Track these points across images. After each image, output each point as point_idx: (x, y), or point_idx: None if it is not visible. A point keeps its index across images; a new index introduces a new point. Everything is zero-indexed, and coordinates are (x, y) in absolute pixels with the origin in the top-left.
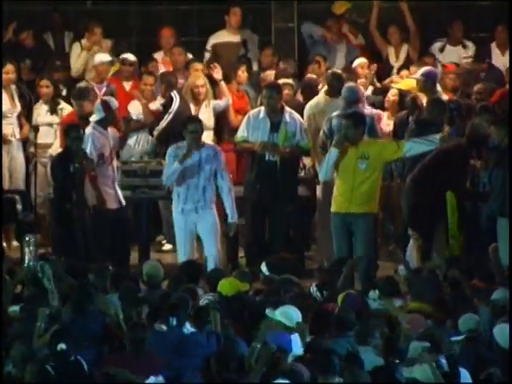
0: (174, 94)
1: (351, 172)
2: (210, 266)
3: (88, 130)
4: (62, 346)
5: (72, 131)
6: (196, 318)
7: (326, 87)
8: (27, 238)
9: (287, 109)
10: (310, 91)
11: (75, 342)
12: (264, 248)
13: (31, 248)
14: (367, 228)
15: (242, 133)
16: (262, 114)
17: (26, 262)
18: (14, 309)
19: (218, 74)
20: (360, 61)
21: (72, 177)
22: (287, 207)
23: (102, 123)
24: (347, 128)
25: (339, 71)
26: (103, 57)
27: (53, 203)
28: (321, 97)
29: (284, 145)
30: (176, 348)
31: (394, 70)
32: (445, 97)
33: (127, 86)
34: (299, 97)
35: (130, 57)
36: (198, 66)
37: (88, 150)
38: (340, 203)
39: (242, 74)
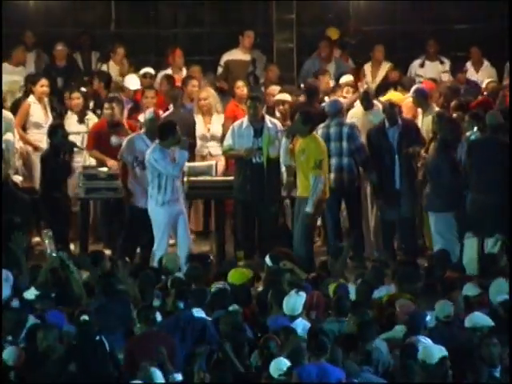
0: (170, 107)
1: (297, 162)
2: (183, 256)
3: (131, 134)
4: (84, 317)
5: (59, 130)
6: (212, 303)
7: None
8: (45, 232)
9: (267, 116)
10: (312, 95)
11: (103, 324)
12: (256, 242)
13: (50, 240)
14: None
15: (227, 142)
16: (245, 124)
17: (48, 251)
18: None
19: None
20: (347, 78)
21: (60, 169)
22: (274, 205)
23: (145, 131)
24: (297, 121)
25: (368, 88)
26: (132, 83)
27: (42, 193)
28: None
29: (268, 147)
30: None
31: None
32: (436, 109)
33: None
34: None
35: (151, 70)
36: (195, 82)
37: (120, 150)
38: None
39: (241, 90)
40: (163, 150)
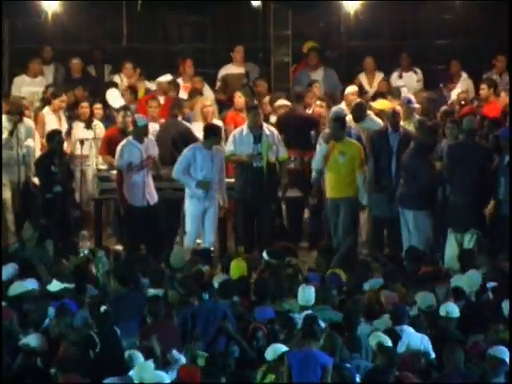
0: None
1: (333, 165)
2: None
3: (122, 142)
4: (103, 308)
5: (55, 136)
6: (221, 292)
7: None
8: (82, 233)
9: (265, 124)
10: (299, 101)
11: (120, 314)
12: (255, 239)
13: (84, 240)
14: (349, 209)
15: (229, 148)
16: (245, 131)
17: (84, 250)
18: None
19: None
20: (351, 89)
21: (53, 173)
22: (272, 206)
23: (134, 137)
24: (335, 128)
25: (362, 102)
26: (112, 100)
27: (39, 193)
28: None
29: (267, 152)
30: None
31: (370, 95)
32: (417, 117)
33: (161, 100)
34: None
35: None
36: (199, 97)
37: (116, 160)
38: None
39: (240, 99)
40: (202, 149)
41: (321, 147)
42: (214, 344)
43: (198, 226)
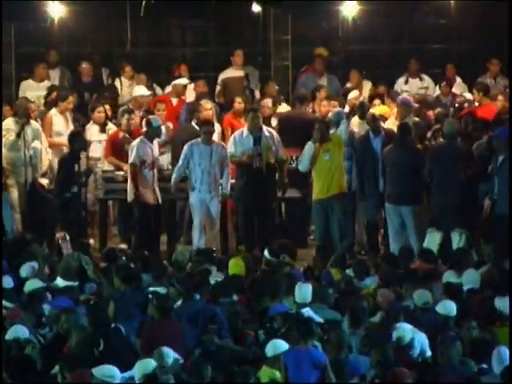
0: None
1: (320, 165)
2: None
3: (135, 141)
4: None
5: (79, 137)
6: (212, 294)
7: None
8: (61, 235)
9: (264, 126)
10: (303, 102)
11: (122, 312)
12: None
13: (65, 242)
14: (341, 206)
15: (230, 149)
16: (245, 133)
17: (65, 252)
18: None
19: None
20: (354, 94)
21: (74, 173)
22: (272, 204)
23: (147, 136)
24: (321, 129)
25: (365, 101)
26: (142, 90)
27: (55, 193)
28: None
29: (267, 153)
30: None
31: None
32: (414, 118)
33: (174, 101)
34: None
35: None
36: (203, 101)
37: (132, 157)
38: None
39: (239, 105)
40: (199, 144)
41: (309, 148)
42: (201, 343)
43: (202, 217)
